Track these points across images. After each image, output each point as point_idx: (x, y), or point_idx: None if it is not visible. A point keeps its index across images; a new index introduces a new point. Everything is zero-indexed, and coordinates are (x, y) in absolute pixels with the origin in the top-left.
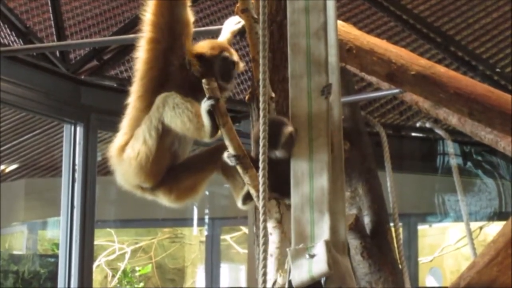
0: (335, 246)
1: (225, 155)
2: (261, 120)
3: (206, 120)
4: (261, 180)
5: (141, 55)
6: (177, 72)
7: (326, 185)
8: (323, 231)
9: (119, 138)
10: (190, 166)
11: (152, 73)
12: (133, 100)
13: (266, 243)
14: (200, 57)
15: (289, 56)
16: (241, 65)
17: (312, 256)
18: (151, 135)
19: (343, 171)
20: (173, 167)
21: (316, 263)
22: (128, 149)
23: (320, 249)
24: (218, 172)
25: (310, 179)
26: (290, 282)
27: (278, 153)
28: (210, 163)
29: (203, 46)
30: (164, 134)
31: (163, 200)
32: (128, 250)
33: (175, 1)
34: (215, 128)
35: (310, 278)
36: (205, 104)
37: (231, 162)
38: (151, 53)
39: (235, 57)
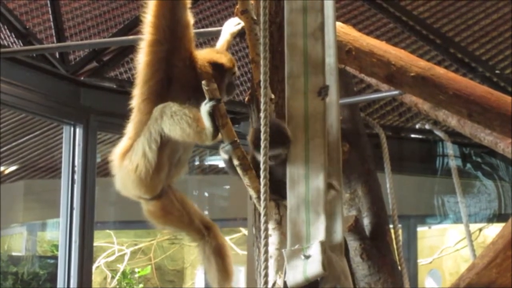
0: (332, 247)
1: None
2: (262, 122)
3: (207, 122)
4: (262, 182)
5: (143, 58)
6: (181, 73)
7: (322, 186)
8: (318, 232)
9: (124, 142)
10: (184, 217)
11: (157, 76)
12: (137, 103)
13: (266, 244)
14: (216, 65)
15: (286, 56)
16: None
17: (307, 257)
18: (151, 148)
19: (341, 173)
20: (178, 204)
21: (311, 264)
22: (126, 160)
23: (315, 250)
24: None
25: (306, 180)
26: (285, 283)
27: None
28: (198, 234)
29: (219, 56)
30: (163, 145)
31: (148, 210)
32: (128, 251)
33: (176, 3)
34: (216, 130)
35: (304, 279)
36: (206, 106)
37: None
38: (154, 56)
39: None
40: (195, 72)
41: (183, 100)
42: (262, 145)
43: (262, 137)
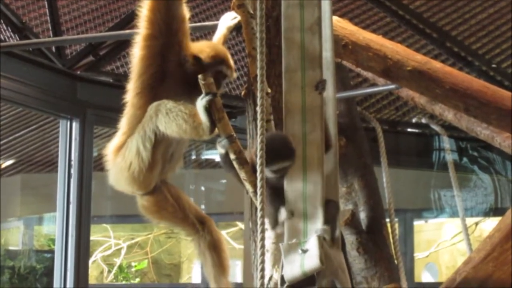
0: (329, 241)
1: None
2: (258, 116)
3: (203, 117)
4: (259, 176)
5: (138, 52)
6: (175, 68)
7: (320, 180)
8: (316, 226)
9: (118, 137)
10: (178, 212)
11: (151, 70)
12: (131, 97)
13: (263, 239)
14: (196, 58)
15: (283, 51)
16: (234, 75)
17: (304, 251)
18: (145, 146)
19: (338, 166)
20: (172, 199)
21: (308, 258)
22: (119, 157)
23: (312, 244)
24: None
25: (303, 174)
26: (282, 277)
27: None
28: (193, 229)
29: (203, 50)
30: (157, 143)
31: (142, 205)
32: (124, 245)
33: None
34: (212, 124)
35: (302, 274)
36: (202, 101)
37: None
38: (149, 50)
39: (230, 70)
40: (190, 67)
41: (177, 95)
42: (259, 139)
43: (259, 131)
